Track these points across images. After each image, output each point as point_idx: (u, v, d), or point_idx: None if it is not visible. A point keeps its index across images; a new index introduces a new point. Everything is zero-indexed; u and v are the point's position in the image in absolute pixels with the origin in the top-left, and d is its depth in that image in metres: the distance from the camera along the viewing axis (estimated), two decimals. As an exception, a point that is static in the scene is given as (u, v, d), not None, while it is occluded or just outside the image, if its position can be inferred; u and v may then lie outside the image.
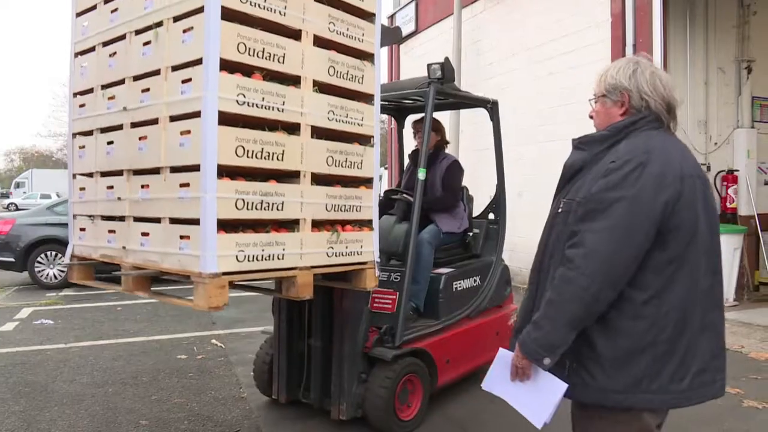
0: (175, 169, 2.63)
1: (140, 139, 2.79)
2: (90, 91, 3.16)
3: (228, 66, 2.52)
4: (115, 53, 2.99)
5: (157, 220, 2.71)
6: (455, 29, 9.94)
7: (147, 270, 2.73)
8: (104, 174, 3.07)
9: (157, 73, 2.72)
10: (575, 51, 7.89)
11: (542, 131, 8.43)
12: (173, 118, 2.64)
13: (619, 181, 1.68)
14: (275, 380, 3.88)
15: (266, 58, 2.66)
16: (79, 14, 3.28)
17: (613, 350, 1.70)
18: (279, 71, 2.72)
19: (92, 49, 3.16)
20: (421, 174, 3.80)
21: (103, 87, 3.07)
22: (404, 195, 4.19)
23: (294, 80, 2.80)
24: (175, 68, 2.63)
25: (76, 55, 3.29)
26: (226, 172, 2.53)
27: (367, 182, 3.21)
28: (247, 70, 2.61)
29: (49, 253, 9.07)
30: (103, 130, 3.07)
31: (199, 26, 2.51)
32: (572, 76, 7.91)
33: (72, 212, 3.29)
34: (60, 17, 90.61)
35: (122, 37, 2.95)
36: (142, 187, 2.79)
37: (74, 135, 3.30)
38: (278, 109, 2.71)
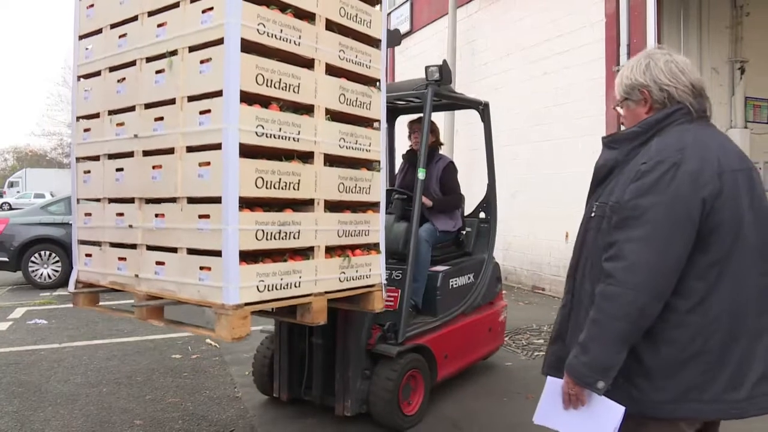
0: (193, 200, 2.64)
1: (154, 167, 2.78)
2: (96, 116, 3.13)
3: (247, 97, 2.54)
4: (123, 79, 2.97)
5: (173, 250, 2.71)
6: (450, 29, 9.93)
7: (164, 300, 2.72)
8: (113, 200, 3.05)
9: (171, 102, 2.72)
10: (570, 51, 7.86)
11: (537, 131, 8.44)
12: (191, 149, 2.64)
13: (652, 185, 1.59)
14: (276, 378, 3.90)
15: (282, 89, 2.68)
16: (82, 37, 3.24)
17: (659, 360, 1.62)
18: (294, 101, 2.75)
19: (97, 73, 3.13)
20: (421, 174, 3.86)
21: (111, 113, 3.04)
22: (398, 194, 4.32)
23: (308, 109, 2.83)
24: (191, 98, 2.64)
25: (80, 78, 3.25)
26: (245, 203, 2.55)
27: (375, 206, 3.26)
28: (264, 101, 2.63)
29: (42, 252, 8.99)
30: (112, 157, 3.04)
31: (219, 58, 2.52)
32: (567, 75, 7.88)
33: (76, 237, 3.25)
34: (55, 17, 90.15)
35: (131, 64, 2.92)
36: (156, 215, 2.78)
37: (78, 159, 3.26)
38: (294, 139, 2.74)
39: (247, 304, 2.52)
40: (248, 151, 2.55)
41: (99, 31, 3.13)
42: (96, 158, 3.13)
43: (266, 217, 2.62)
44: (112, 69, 3.04)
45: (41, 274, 9.02)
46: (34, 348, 5.58)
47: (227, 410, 4.02)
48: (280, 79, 2.67)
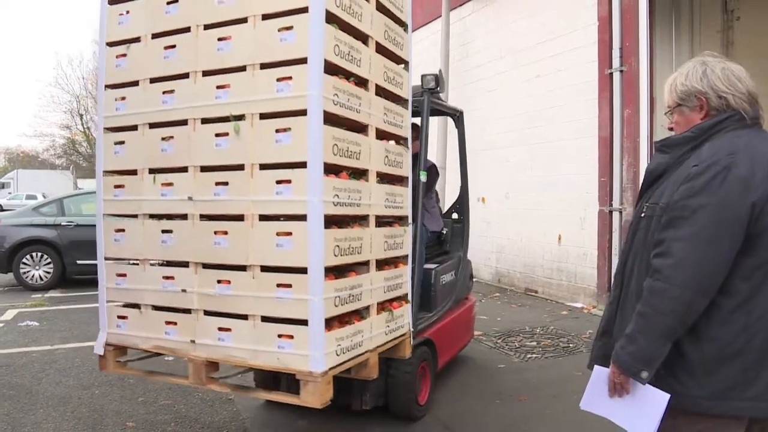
0: (267, 269, 2.65)
1: (217, 233, 2.74)
2: (132, 172, 3.00)
3: (326, 168, 2.61)
4: (171, 137, 2.88)
5: (241, 316, 2.70)
6: (443, 32, 9.84)
7: (240, 369, 2.70)
8: (158, 263, 2.95)
9: (238, 167, 2.70)
10: (563, 54, 7.76)
11: (530, 133, 8.36)
12: (264, 218, 2.65)
13: (702, 187, 1.64)
14: (284, 376, 3.85)
15: (349, 157, 2.77)
16: (111, 86, 3.08)
17: (702, 356, 1.69)
18: (356, 167, 2.85)
19: (133, 127, 3.00)
20: (423, 176, 3.99)
21: (153, 171, 2.94)
22: None
23: (364, 174, 2.93)
24: (264, 166, 2.64)
25: (108, 130, 3.09)
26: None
27: (405, 259, 3.42)
28: (337, 170, 2.71)
29: (34, 254, 8.90)
30: (155, 217, 2.94)
31: (300, 129, 2.56)
32: (560, 78, 7.76)
33: (104, 297, 3.08)
34: (47, 17, 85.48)
35: (181, 123, 2.86)
36: (219, 281, 2.75)
37: (106, 215, 3.09)
38: (356, 204, 2.83)
39: (330, 369, 2.59)
40: (328, 221, 2.62)
41: (135, 83, 3.00)
42: (133, 216, 3.00)
43: (341, 283, 2.70)
44: (153, 125, 2.94)
45: (33, 276, 8.91)
46: (25, 350, 5.51)
47: (220, 412, 4.03)
48: (348, 148, 2.76)
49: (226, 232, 2.73)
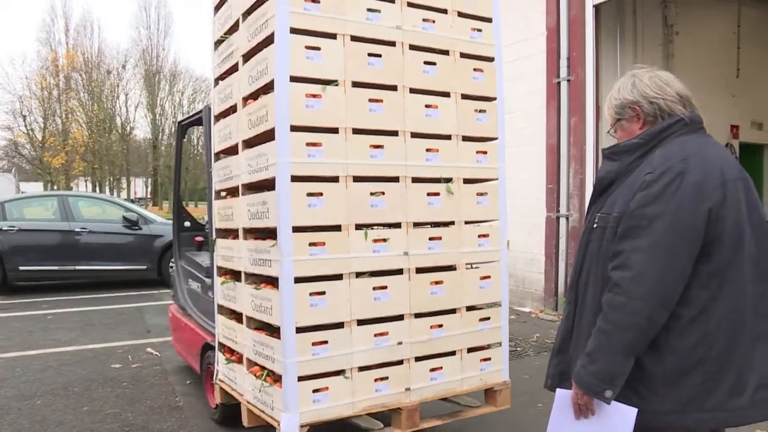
0: (471, 308, 3.17)
1: (433, 283, 3.00)
2: (336, 228, 2.72)
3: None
4: (382, 193, 2.84)
5: (448, 353, 3.09)
6: None
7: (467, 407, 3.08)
8: (364, 322, 2.81)
9: (450, 223, 3.08)
10: (512, 62, 7.55)
11: None
12: (469, 266, 3.16)
13: (658, 194, 1.60)
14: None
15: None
16: (300, 129, 2.62)
17: (664, 369, 1.62)
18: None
19: (333, 179, 2.72)
20: None
21: (361, 227, 2.79)
22: None
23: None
24: (468, 222, 3.15)
25: (297, 179, 2.62)
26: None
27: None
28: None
29: None
30: (363, 275, 2.80)
31: (493, 194, 3.25)
32: (509, 87, 7.36)
33: (294, 374, 2.59)
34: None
35: (392, 179, 2.89)
36: (432, 327, 3.02)
37: (298, 279, 2.62)
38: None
39: (504, 378, 3.38)
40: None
41: (334, 131, 2.73)
42: (338, 277, 2.72)
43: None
44: (358, 179, 2.80)
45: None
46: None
47: (168, 420, 3.95)
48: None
49: (442, 282, 3.04)
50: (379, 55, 2.87)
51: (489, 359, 3.24)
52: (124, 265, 9.16)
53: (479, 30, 3.20)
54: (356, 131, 2.80)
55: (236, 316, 3.29)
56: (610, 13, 7.28)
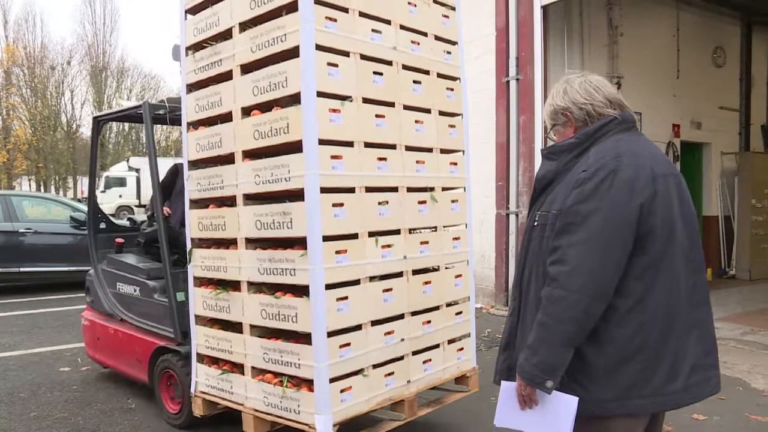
0: (449, 304, 3.51)
1: (424, 283, 3.28)
2: (353, 236, 2.87)
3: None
4: (386, 202, 3.06)
5: (436, 346, 3.40)
6: None
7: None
8: (377, 322, 3.00)
9: (434, 228, 3.39)
10: (465, 62, 6.83)
11: None
12: (447, 266, 3.50)
13: (592, 192, 1.66)
14: None
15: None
16: (326, 143, 2.74)
17: (604, 360, 1.69)
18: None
19: (351, 190, 2.87)
20: None
21: (372, 234, 2.98)
22: None
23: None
24: (446, 226, 3.49)
25: (325, 191, 2.72)
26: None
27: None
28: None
29: None
30: (375, 279, 2.99)
31: (462, 199, 3.62)
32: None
33: (327, 377, 2.70)
34: None
35: (393, 189, 3.11)
36: (423, 323, 3.30)
37: (330, 286, 2.73)
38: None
39: (470, 364, 3.76)
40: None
41: (351, 144, 2.88)
42: (355, 282, 2.88)
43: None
44: (369, 189, 2.98)
45: None
46: None
47: (120, 422, 3.91)
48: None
49: (430, 282, 3.34)
50: (381, 74, 3.08)
51: (462, 349, 3.61)
52: (71, 266, 8.73)
53: (449, 52, 3.55)
54: (367, 145, 2.99)
55: (224, 325, 3.27)
56: (557, 13, 7.45)
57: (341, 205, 2.85)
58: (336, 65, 2.84)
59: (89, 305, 4.75)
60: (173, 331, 3.74)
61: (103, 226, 4.89)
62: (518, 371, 1.76)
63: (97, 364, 4.84)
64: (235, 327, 3.19)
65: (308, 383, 2.83)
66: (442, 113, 3.47)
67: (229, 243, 3.20)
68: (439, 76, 3.46)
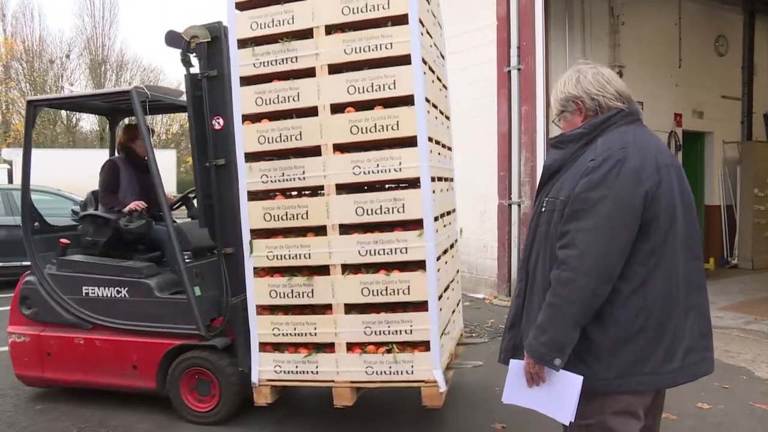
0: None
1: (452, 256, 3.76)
2: (436, 218, 3.21)
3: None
4: (441, 190, 3.46)
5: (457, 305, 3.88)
6: None
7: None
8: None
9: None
10: (463, 52, 7.45)
11: None
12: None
13: (601, 180, 1.75)
14: None
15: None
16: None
17: (607, 339, 1.78)
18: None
19: (434, 179, 3.24)
20: None
21: (436, 218, 3.22)
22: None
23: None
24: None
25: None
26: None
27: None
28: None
29: None
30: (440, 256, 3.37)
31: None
32: (462, 75, 7.30)
33: (438, 335, 3.14)
34: None
35: (441, 179, 3.51)
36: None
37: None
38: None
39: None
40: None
41: (431, 140, 3.25)
42: (438, 258, 3.28)
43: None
44: (434, 179, 3.20)
45: None
46: None
47: (126, 415, 3.88)
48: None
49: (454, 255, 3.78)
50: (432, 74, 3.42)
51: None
52: None
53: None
54: (430, 139, 3.20)
55: (300, 310, 3.36)
56: (559, 3, 7.44)
57: (434, 192, 3.16)
58: (425, 72, 3.12)
59: (28, 318, 4.07)
60: (196, 327, 3.63)
61: (36, 225, 4.37)
62: (527, 350, 1.86)
63: (31, 386, 4.26)
64: (313, 310, 3.33)
65: (418, 345, 3.13)
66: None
67: (306, 231, 3.29)
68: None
